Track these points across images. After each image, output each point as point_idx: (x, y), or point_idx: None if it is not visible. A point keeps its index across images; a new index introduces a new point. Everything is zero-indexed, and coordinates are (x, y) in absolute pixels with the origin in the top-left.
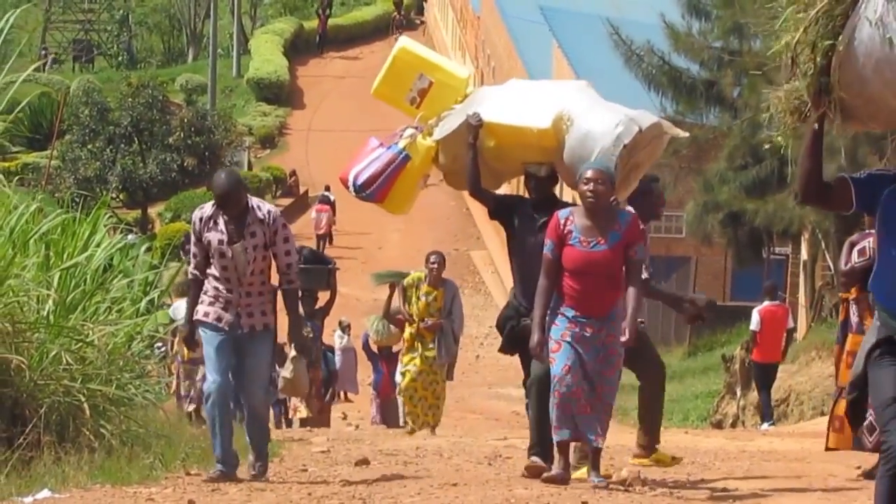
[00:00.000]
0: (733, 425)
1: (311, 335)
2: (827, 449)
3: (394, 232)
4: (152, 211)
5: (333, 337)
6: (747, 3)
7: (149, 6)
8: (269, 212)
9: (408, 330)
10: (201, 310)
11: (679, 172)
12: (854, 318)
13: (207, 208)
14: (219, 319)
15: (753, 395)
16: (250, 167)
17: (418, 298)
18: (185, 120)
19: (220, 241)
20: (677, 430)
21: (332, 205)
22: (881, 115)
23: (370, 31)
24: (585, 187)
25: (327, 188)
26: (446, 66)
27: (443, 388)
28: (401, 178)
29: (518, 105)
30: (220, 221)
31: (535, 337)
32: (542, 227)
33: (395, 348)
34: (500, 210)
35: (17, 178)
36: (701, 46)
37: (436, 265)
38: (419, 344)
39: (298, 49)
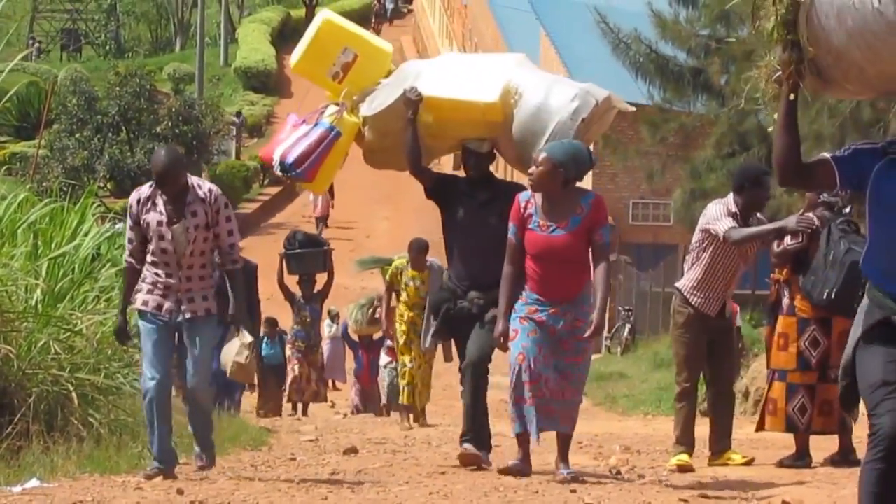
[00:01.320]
0: None
1: (308, 319)
2: (758, 430)
3: (382, 220)
4: None
5: (322, 325)
6: None
7: None
8: (210, 190)
9: (400, 327)
10: (139, 298)
11: (666, 160)
12: (785, 301)
13: (145, 189)
14: (158, 308)
15: (742, 382)
16: (238, 156)
17: (405, 285)
18: (173, 109)
19: (159, 223)
20: (666, 418)
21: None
22: (852, 75)
23: (357, 20)
24: (529, 169)
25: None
26: (371, 40)
27: (429, 374)
28: (329, 156)
29: (459, 78)
30: (159, 202)
31: (499, 326)
32: (481, 205)
33: (375, 336)
34: (439, 188)
35: (4, 167)
36: (688, 34)
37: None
38: (414, 336)
39: (286, 38)
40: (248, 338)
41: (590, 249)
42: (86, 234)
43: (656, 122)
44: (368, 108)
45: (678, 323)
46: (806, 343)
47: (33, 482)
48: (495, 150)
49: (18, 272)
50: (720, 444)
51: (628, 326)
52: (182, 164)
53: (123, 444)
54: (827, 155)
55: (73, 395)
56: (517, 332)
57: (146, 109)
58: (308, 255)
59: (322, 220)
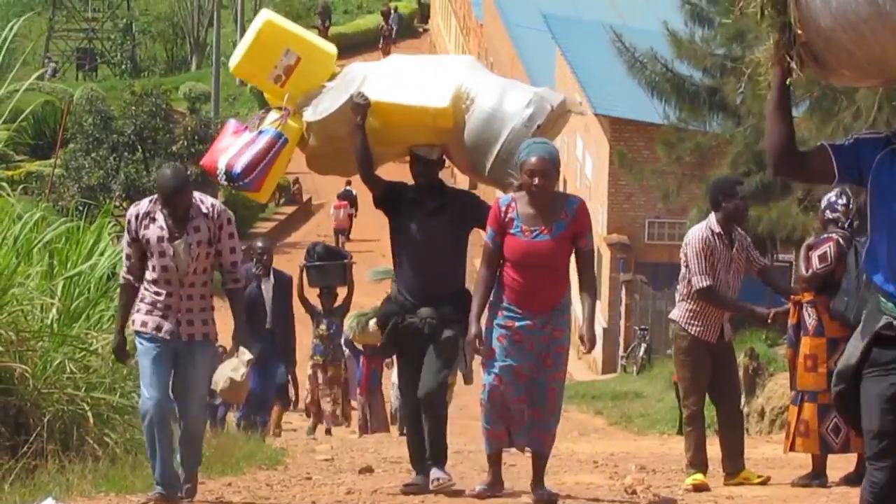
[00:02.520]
0: None
1: (326, 333)
2: (788, 452)
3: None
4: None
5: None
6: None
7: (152, 15)
8: (213, 205)
9: None
10: (138, 319)
11: (682, 179)
12: (811, 321)
13: (144, 204)
14: (158, 329)
15: (758, 401)
16: None
17: None
18: (189, 128)
19: (160, 239)
20: (680, 437)
21: (354, 200)
22: (843, 59)
23: (372, 40)
24: (530, 180)
25: (349, 182)
26: (314, 41)
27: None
28: (276, 164)
29: (408, 82)
30: (159, 217)
31: (472, 329)
32: (431, 214)
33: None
34: (388, 197)
35: (20, 186)
36: (704, 53)
37: None
38: None
39: None
40: (246, 356)
41: (573, 257)
42: (101, 254)
43: (672, 142)
44: (313, 114)
45: (680, 349)
46: (836, 364)
47: (49, 501)
48: (445, 157)
49: (34, 291)
50: (734, 463)
51: (644, 346)
52: (188, 183)
53: (139, 464)
54: (826, 144)
55: (89, 414)
56: (494, 351)
57: (162, 129)
58: (329, 268)
59: (342, 232)
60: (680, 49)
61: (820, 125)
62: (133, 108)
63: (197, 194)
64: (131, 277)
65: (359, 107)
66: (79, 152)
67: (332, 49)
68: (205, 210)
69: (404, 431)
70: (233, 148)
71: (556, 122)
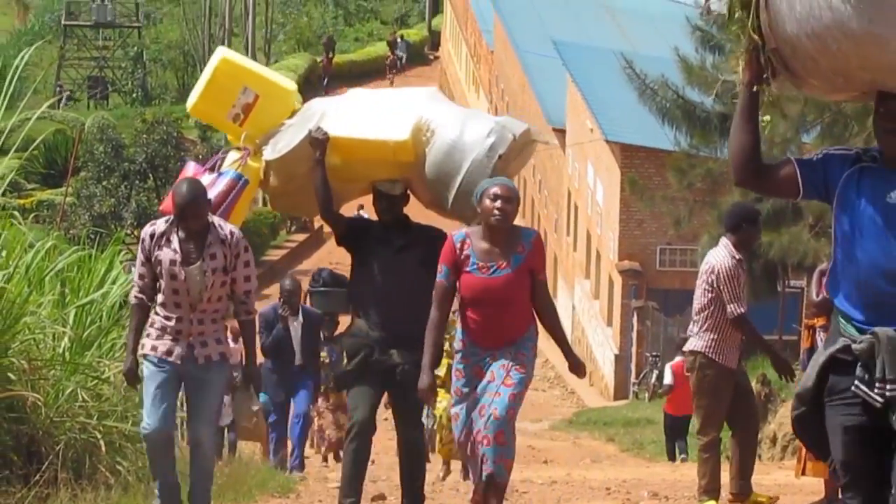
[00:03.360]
0: None
1: (327, 360)
2: (799, 476)
3: None
4: None
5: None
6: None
7: (163, 43)
8: (231, 232)
9: (446, 364)
10: (148, 344)
11: (693, 206)
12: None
13: (160, 224)
14: (168, 353)
15: (770, 427)
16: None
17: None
18: (200, 156)
19: (172, 262)
20: (694, 464)
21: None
22: (809, 67)
23: (382, 67)
24: (492, 204)
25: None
26: (273, 78)
27: None
28: (238, 205)
29: (367, 116)
30: (174, 239)
31: (424, 379)
32: (397, 252)
33: None
34: (352, 234)
35: (32, 215)
36: (714, 80)
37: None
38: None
39: (312, 85)
40: (257, 404)
41: (532, 292)
42: (113, 282)
43: (683, 168)
44: (272, 152)
45: (707, 378)
46: None
47: None
48: (409, 192)
49: (46, 320)
50: (744, 485)
51: (656, 372)
52: (206, 198)
53: (151, 492)
54: (793, 158)
55: (101, 442)
56: (458, 417)
57: (173, 157)
58: (333, 294)
59: None
60: (690, 75)
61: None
62: (144, 136)
63: (216, 219)
64: (143, 297)
65: (317, 142)
66: (90, 180)
67: (291, 86)
68: (222, 236)
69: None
70: None
71: (519, 153)
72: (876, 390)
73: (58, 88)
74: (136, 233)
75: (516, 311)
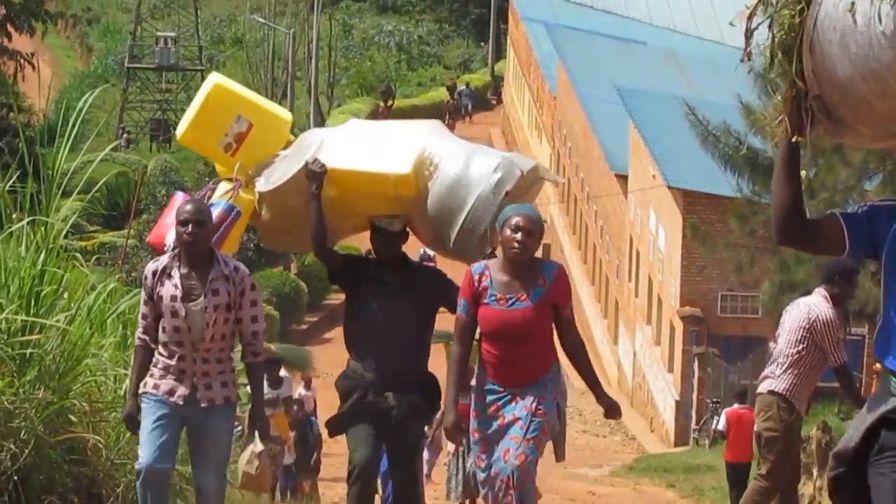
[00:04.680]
0: None
1: None
2: None
3: None
4: None
5: None
6: None
7: None
8: (236, 268)
9: None
10: (150, 383)
11: (755, 252)
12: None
13: (163, 259)
14: (171, 393)
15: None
16: None
17: None
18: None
19: (173, 297)
20: None
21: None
22: (862, 114)
23: (443, 112)
24: (512, 235)
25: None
26: (267, 107)
27: None
28: (228, 238)
29: (366, 148)
30: (176, 274)
31: (449, 417)
32: (394, 292)
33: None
34: (347, 272)
35: (94, 257)
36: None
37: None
38: None
39: None
40: (259, 446)
41: (556, 326)
42: None
43: (745, 215)
44: (265, 184)
45: (784, 422)
46: None
47: None
48: (409, 229)
49: (107, 362)
50: None
51: (716, 419)
52: (210, 218)
53: None
54: (837, 212)
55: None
56: (483, 461)
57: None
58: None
59: None
60: (754, 122)
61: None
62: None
63: (221, 253)
64: (147, 338)
65: (314, 174)
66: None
67: (286, 115)
68: (226, 272)
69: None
70: None
71: (527, 190)
72: None
73: (120, 131)
74: None
75: (536, 347)
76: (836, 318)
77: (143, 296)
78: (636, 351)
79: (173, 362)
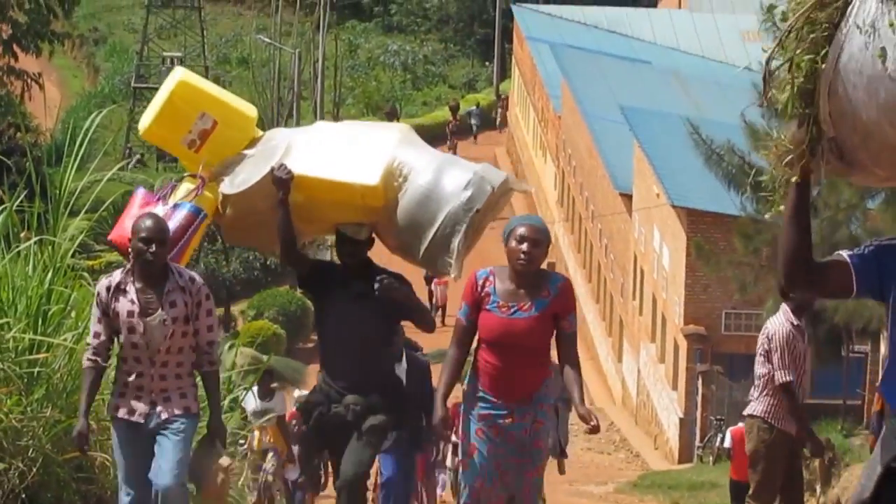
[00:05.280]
0: None
1: None
2: None
3: None
4: (235, 309)
5: None
6: None
7: None
8: (191, 278)
9: None
10: (111, 404)
11: (759, 271)
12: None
13: (116, 275)
14: (131, 413)
15: (833, 492)
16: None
17: None
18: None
19: (130, 313)
20: None
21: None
22: (884, 157)
23: (434, 137)
24: (518, 247)
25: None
26: (233, 103)
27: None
28: (193, 241)
29: (335, 155)
30: (131, 289)
31: (438, 412)
32: (358, 298)
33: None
34: (314, 278)
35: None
36: (781, 144)
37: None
38: None
39: None
40: (226, 460)
41: (554, 339)
42: None
43: (749, 233)
44: (230, 186)
45: (763, 442)
46: None
47: None
48: (375, 237)
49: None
50: None
51: (720, 436)
52: (168, 235)
53: None
54: (844, 254)
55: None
56: (474, 449)
57: None
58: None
59: (439, 309)
60: (757, 141)
61: None
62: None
63: (175, 265)
64: (98, 359)
65: (281, 181)
66: None
67: (252, 112)
68: (182, 283)
69: None
70: None
71: (497, 203)
72: None
73: (127, 150)
74: None
75: (534, 360)
76: (792, 332)
77: (95, 312)
78: (640, 369)
79: (132, 379)
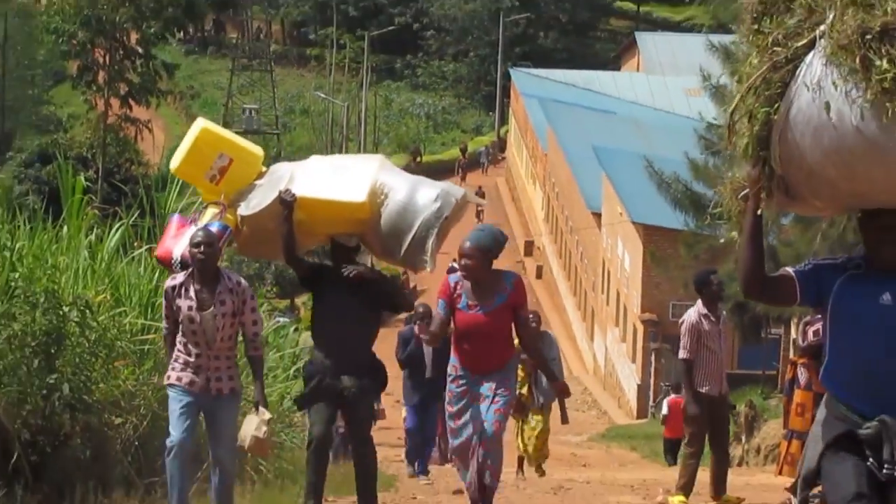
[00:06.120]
0: (739, 465)
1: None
2: (778, 475)
3: None
4: (298, 300)
5: None
6: None
7: (295, 146)
8: (238, 282)
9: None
10: (173, 375)
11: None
12: (803, 378)
13: (179, 277)
14: (190, 384)
15: (755, 441)
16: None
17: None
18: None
19: (190, 307)
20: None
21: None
22: (824, 192)
23: (464, 164)
24: (460, 262)
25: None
26: (244, 145)
27: (545, 430)
28: (222, 248)
29: (328, 180)
30: (191, 289)
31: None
32: (349, 292)
33: None
34: (313, 278)
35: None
36: (715, 177)
37: (535, 323)
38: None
39: None
40: (267, 414)
41: (514, 325)
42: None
43: (690, 244)
44: (246, 209)
45: (692, 408)
46: None
47: None
48: (361, 243)
49: None
50: (721, 488)
51: (661, 405)
52: (217, 241)
53: (285, 486)
54: (790, 269)
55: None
56: (459, 419)
57: None
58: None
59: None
60: (697, 173)
61: (803, 230)
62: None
63: (225, 270)
64: (169, 333)
65: (286, 202)
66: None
67: (259, 151)
68: (230, 286)
69: None
70: (184, 240)
71: (458, 212)
72: (885, 470)
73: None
74: (274, 289)
75: (500, 342)
76: (699, 319)
77: (165, 305)
78: (607, 346)
79: (192, 359)
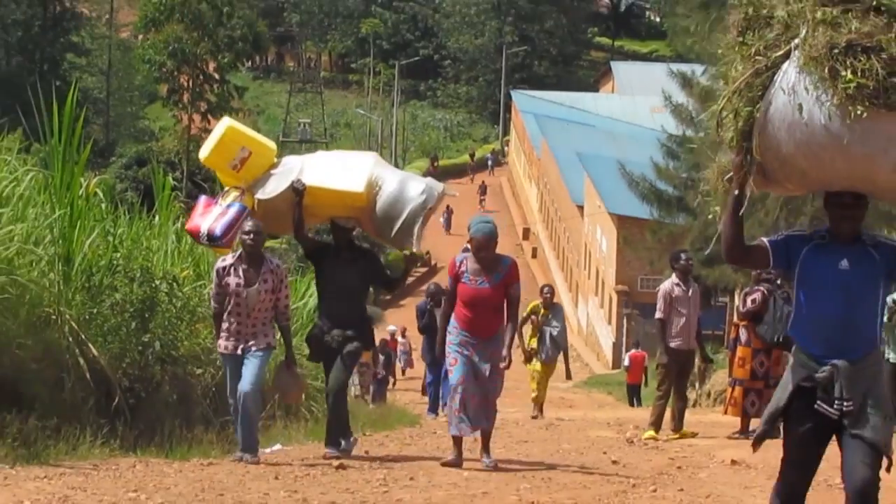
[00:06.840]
0: (693, 406)
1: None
2: (723, 415)
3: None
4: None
5: None
6: (702, 152)
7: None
8: (277, 264)
9: (529, 343)
10: (221, 343)
11: (662, 253)
12: (744, 337)
13: (228, 258)
14: (235, 349)
15: (706, 386)
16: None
17: (538, 318)
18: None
19: (238, 284)
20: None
21: None
22: (794, 176)
23: (473, 167)
24: (478, 255)
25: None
26: (261, 140)
27: (546, 380)
28: (241, 223)
29: (331, 172)
30: (240, 269)
31: (439, 349)
32: (345, 264)
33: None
34: (316, 253)
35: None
36: (675, 176)
37: (549, 294)
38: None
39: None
40: (298, 375)
41: (505, 300)
42: (308, 295)
43: (655, 230)
44: (262, 193)
45: (663, 358)
46: (757, 363)
47: (277, 446)
48: (357, 225)
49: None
50: (679, 424)
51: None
52: (261, 229)
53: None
54: (764, 240)
55: (302, 394)
56: (456, 362)
57: None
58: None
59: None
60: (660, 173)
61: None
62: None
63: (267, 255)
64: (218, 309)
65: (297, 190)
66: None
67: (273, 146)
68: (271, 268)
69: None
70: (209, 217)
71: (440, 202)
72: (835, 407)
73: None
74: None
75: (494, 312)
76: (673, 288)
77: (215, 281)
78: (589, 312)
79: (234, 326)
